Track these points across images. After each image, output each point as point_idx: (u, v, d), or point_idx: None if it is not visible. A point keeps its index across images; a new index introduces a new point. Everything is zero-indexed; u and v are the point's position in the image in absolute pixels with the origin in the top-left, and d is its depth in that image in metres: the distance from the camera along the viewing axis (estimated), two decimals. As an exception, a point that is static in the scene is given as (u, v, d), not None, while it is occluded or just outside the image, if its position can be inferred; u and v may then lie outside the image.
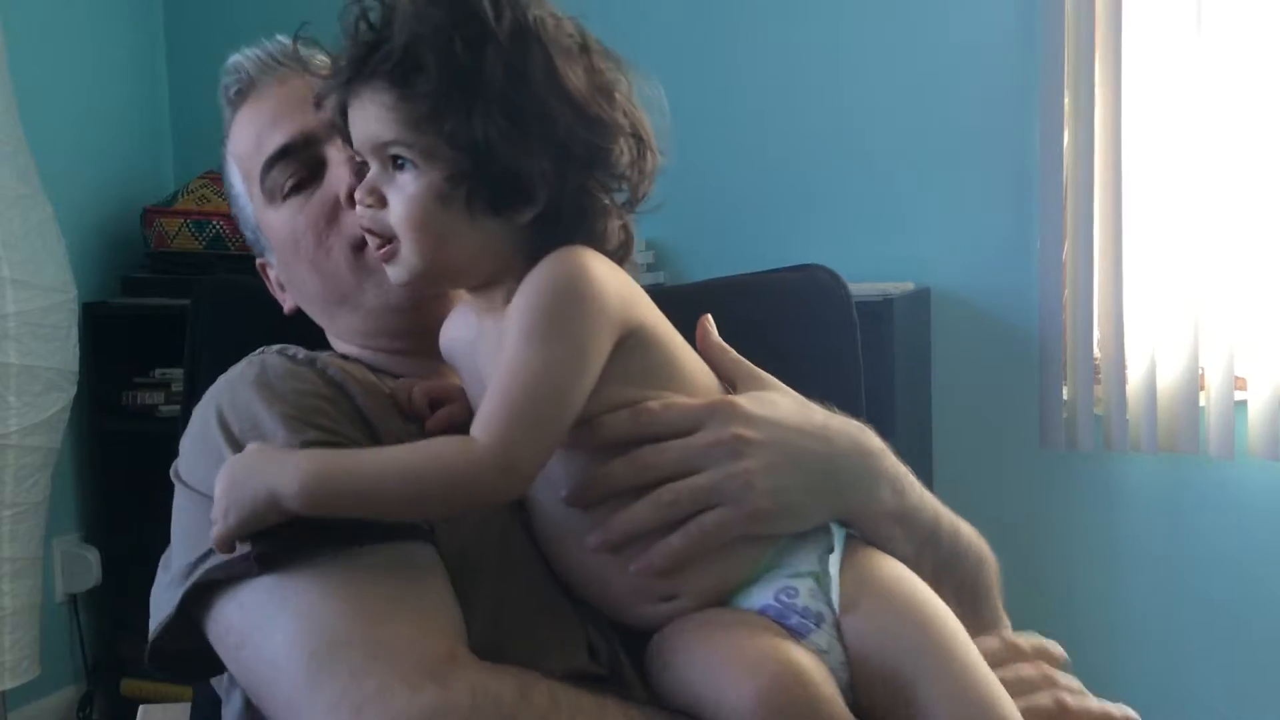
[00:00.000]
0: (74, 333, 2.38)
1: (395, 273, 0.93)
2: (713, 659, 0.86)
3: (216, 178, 2.86)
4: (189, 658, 0.95)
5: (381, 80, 0.89)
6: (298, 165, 1.10)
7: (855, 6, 2.64)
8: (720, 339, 1.02)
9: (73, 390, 2.39)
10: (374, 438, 0.95)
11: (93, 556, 2.81)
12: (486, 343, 0.93)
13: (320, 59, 1.12)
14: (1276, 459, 2.40)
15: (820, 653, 0.86)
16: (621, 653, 0.93)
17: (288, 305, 1.17)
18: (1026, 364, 2.57)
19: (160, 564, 0.99)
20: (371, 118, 0.90)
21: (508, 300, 0.90)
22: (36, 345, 2.25)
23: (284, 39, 1.15)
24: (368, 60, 0.89)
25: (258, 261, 1.20)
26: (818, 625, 0.88)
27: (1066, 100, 2.47)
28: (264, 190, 1.11)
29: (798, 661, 0.83)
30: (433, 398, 0.99)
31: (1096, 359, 2.50)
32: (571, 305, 0.87)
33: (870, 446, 0.98)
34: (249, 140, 1.13)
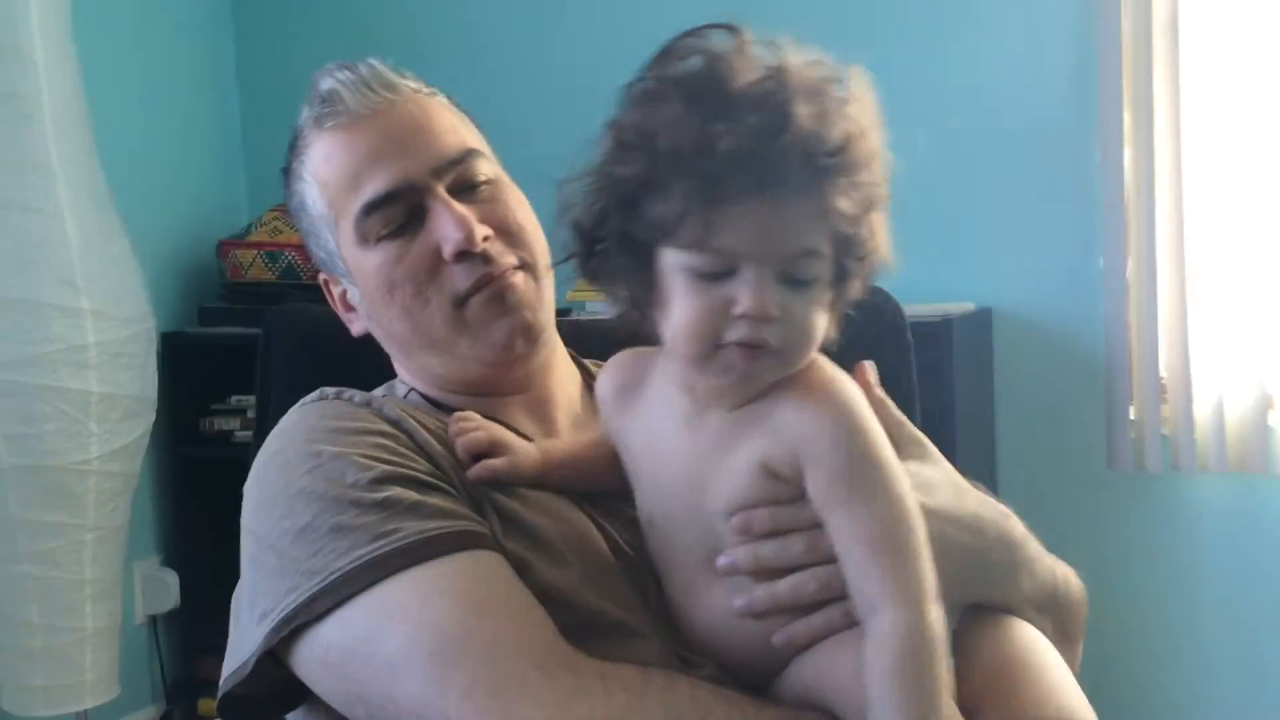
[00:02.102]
0: (152, 361, 2.45)
1: (759, 373, 0.86)
2: (828, 647, 0.89)
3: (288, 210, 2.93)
4: (259, 703, 0.98)
5: (819, 190, 0.82)
6: (397, 212, 1.09)
7: (912, 25, 2.64)
8: (882, 392, 1.00)
9: (151, 417, 2.45)
10: (437, 468, 0.99)
11: (171, 579, 2.88)
12: (710, 439, 0.89)
13: (411, 85, 1.15)
14: (1350, 478, 2.36)
15: None
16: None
17: (356, 328, 1.18)
18: (1092, 385, 2.55)
19: (232, 611, 1.01)
20: (798, 227, 0.83)
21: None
22: (116, 374, 2.31)
23: (376, 62, 1.14)
24: (797, 162, 0.81)
25: (321, 277, 1.20)
26: None
27: (1126, 116, 2.45)
28: (357, 230, 1.10)
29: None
30: (475, 451, 1.01)
31: (1163, 379, 2.47)
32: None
33: (1015, 537, 1.00)
34: (342, 172, 1.11)
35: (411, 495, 0.94)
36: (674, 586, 0.95)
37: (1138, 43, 2.43)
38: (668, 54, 0.87)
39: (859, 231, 0.86)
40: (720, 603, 0.91)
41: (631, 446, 0.95)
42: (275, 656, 0.94)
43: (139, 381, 2.38)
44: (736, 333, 0.83)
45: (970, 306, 2.51)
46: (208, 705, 2.84)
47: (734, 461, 0.88)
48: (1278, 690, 2.50)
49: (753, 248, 0.83)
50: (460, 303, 1.09)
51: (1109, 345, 2.51)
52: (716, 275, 0.84)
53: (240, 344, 2.55)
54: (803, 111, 0.81)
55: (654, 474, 0.93)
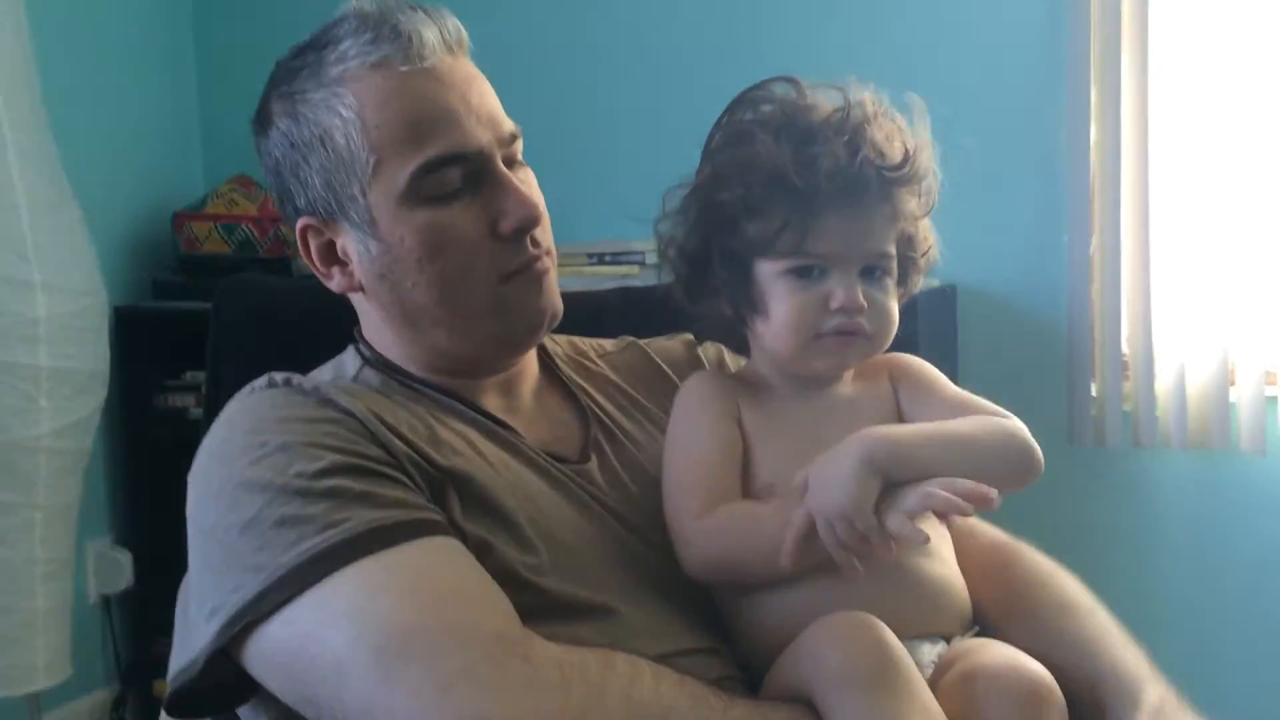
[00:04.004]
0: (104, 335, 2.40)
1: (854, 356, 1.04)
2: (808, 632, 0.92)
3: (246, 181, 2.88)
4: (207, 698, 0.95)
5: (891, 199, 1.00)
6: (456, 176, 1.03)
7: (879, 1, 2.63)
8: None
9: (103, 393, 2.40)
10: (390, 455, 0.96)
11: (125, 559, 2.83)
12: (846, 411, 1.04)
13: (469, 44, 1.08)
14: (1310, 454, 2.37)
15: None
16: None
17: (338, 284, 1.09)
18: (1054, 360, 2.55)
19: (179, 603, 0.99)
20: (876, 231, 1.01)
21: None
22: (67, 348, 2.26)
23: (446, 11, 1.06)
24: (874, 176, 0.98)
25: (301, 223, 1.08)
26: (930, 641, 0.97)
27: (1093, 93, 2.45)
28: (408, 185, 1.02)
29: (871, 618, 0.90)
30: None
31: (1125, 355, 2.48)
32: None
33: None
34: (405, 119, 1.02)
35: (361, 484, 0.91)
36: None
37: (1105, 20, 2.43)
38: (739, 103, 1.05)
39: (917, 232, 1.05)
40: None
41: (761, 428, 1.05)
42: (225, 652, 0.92)
43: (91, 356, 2.34)
44: (833, 323, 1.00)
45: (935, 283, 2.50)
46: (163, 686, 2.76)
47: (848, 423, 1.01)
48: (1234, 663, 2.52)
49: (841, 250, 0.99)
50: (504, 279, 1.05)
51: (1072, 321, 2.51)
52: (810, 277, 1.00)
53: (195, 319, 2.48)
54: (874, 134, 0.99)
55: (779, 446, 1.04)
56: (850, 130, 0.99)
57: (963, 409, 1.05)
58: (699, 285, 1.06)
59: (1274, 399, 2.41)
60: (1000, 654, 0.95)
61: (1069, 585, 1.11)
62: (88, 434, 2.37)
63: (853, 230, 0.99)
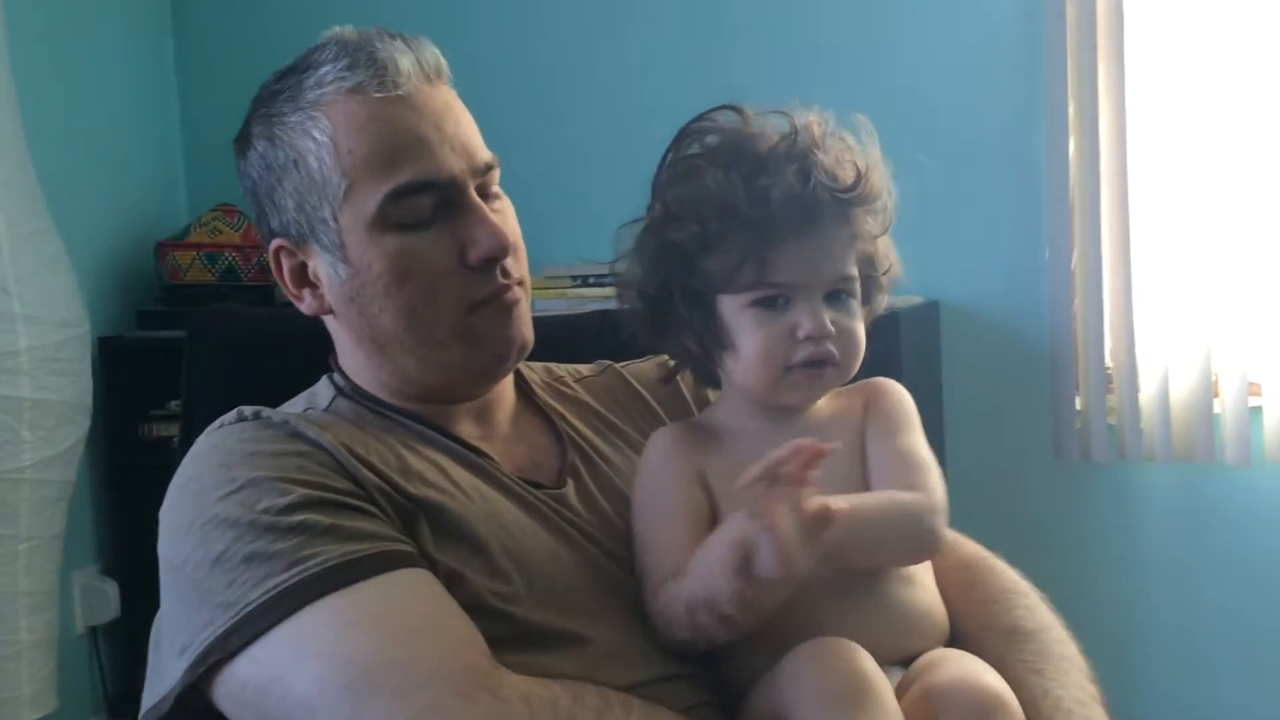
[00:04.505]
0: (87, 366, 2.40)
1: (826, 385, 1.01)
2: (785, 657, 0.91)
3: (229, 210, 2.88)
4: None
5: (848, 221, 0.99)
6: (426, 203, 1.03)
7: (856, 17, 2.64)
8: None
9: (87, 423, 2.40)
10: (360, 486, 0.96)
11: (111, 589, 2.82)
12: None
13: (448, 72, 1.10)
14: (1294, 465, 2.37)
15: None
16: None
17: (309, 306, 1.10)
18: (1038, 375, 2.56)
19: (152, 639, 0.99)
20: (836, 254, 0.99)
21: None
22: (49, 379, 2.26)
23: (426, 40, 1.08)
24: (827, 200, 0.97)
25: (275, 245, 1.09)
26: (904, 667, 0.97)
27: (1071, 108, 2.46)
28: (378, 210, 1.02)
29: (847, 642, 0.90)
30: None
31: (1108, 368, 2.49)
32: None
33: None
34: (378, 146, 1.03)
35: (330, 518, 0.92)
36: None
37: (1082, 34, 2.44)
38: (684, 136, 1.04)
39: (877, 251, 1.03)
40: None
41: (728, 483, 0.99)
42: (196, 689, 0.92)
43: (74, 387, 2.33)
44: (802, 353, 0.98)
45: (918, 299, 2.50)
46: (151, 716, 2.78)
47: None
48: (1220, 675, 2.52)
49: (803, 277, 0.98)
50: (472, 309, 1.05)
51: (1055, 336, 2.52)
52: (775, 308, 0.99)
53: (179, 348, 2.50)
54: (822, 159, 0.98)
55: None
56: (799, 156, 0.98)
57: (900, 470, 1.00)
58: (662, 325, 1.05)
59: (1257, 410, 2.41)
60: (955, 669, 0.94)
61: (1019, 611, 1.09)
62: (71, 465, 2.37)
63: (813, 256, 0.98)
